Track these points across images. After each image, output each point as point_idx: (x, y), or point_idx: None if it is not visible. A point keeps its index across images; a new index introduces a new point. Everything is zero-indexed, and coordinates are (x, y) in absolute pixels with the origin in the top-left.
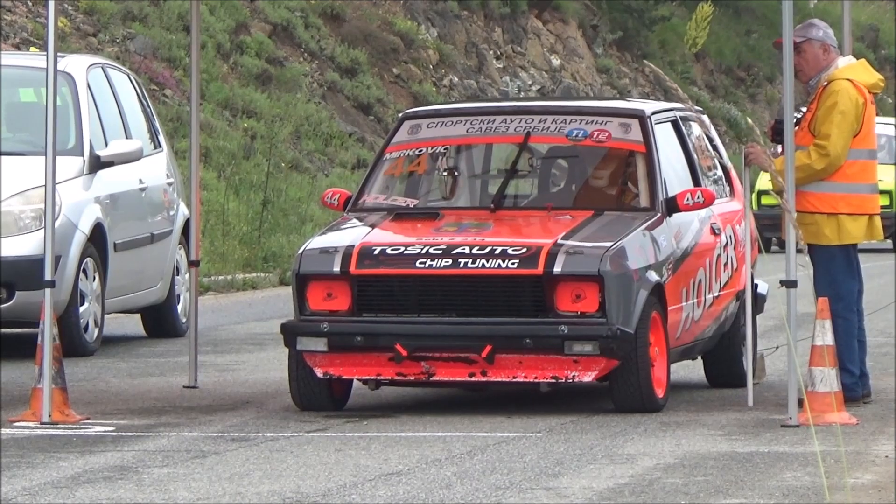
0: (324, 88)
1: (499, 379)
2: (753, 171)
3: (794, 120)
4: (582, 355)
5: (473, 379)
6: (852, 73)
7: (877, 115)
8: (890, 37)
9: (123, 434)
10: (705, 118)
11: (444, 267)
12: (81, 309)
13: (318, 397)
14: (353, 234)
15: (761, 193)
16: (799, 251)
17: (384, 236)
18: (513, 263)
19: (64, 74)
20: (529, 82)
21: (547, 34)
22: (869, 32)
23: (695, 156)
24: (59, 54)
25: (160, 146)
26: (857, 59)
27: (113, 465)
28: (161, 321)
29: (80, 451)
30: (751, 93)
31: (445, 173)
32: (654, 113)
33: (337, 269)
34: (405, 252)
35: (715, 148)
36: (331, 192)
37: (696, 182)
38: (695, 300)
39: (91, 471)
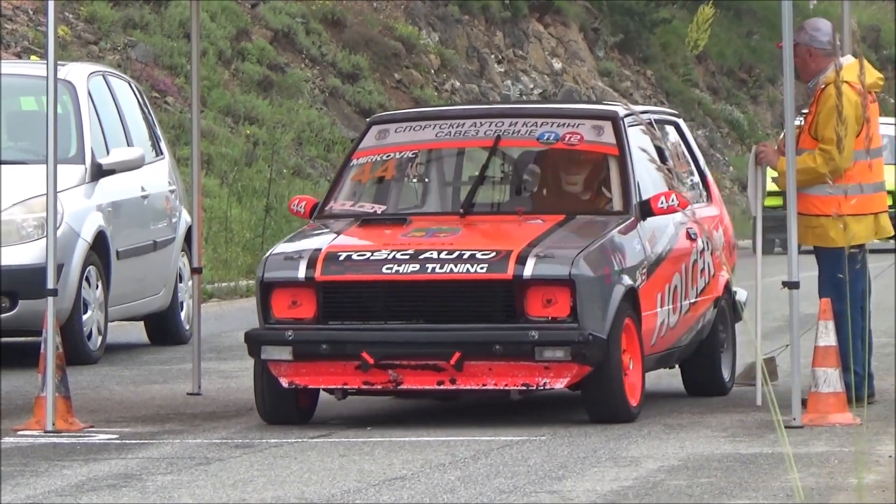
0: (325, 94)
1: (468, 387)
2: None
3: (798, 123)
4: (553, 361)
5: (442, 387)
6: (850, 74)
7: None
8: (891, 37)
9: (127, 441)
10: (681, 122)
11: (412, 272)
12: (84, 317)
13: (283, 409)
14: (318, 240)
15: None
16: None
17: (350, 242)
18: (482, 268)
19: (65, 83)
20: (531, 86)
21: (548, 38)
22: (870, 33)
23: (670, 160)
24: (59, 63)
25: (162, 153)
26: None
27: (117, 472)
28: (164, 328)
29: (83, 458)
30: (752, 94)
31: (415, 179)
32: (627, 115)
33: (302, 275)
34: (371, 258)
35: (692, 153)
36: (297, 198)
37: (672, 186)
38: (670, 306)
39: (95, 478)
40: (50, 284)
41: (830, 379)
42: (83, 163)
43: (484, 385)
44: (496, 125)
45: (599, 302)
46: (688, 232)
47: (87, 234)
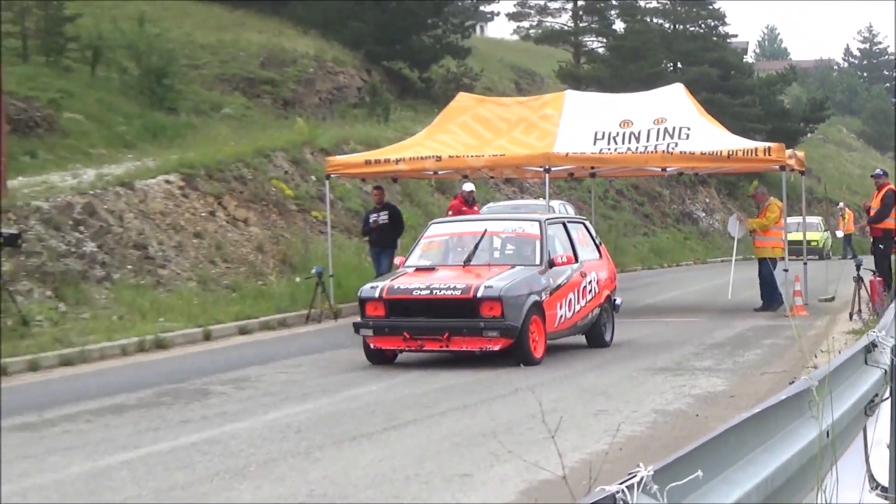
0: None
1: (454, 349)
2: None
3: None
4: (493, 337)
5: (443, 349)
6: (776, 202)
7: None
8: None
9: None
10: (587, 222)
11: (426, 294)
12: None
13: (377, 358)
14: (390, 278)
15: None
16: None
17: (404, 279)
18: (458, 291)
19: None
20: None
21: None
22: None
23: (576, 239)
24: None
25: None
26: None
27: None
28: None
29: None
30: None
31: (447, 248)
32: (547, 220)
33: (377, 295)
34: (409, 286)
35: (591, 236)
36: (396, 259)
37: (575, 252)
38: (566, 309)
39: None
40: None
41: (797, 301)
42: None
43: (461, 348)
44: (487, 224)
45: (517, 308)
46: (581, 272)
47: None
